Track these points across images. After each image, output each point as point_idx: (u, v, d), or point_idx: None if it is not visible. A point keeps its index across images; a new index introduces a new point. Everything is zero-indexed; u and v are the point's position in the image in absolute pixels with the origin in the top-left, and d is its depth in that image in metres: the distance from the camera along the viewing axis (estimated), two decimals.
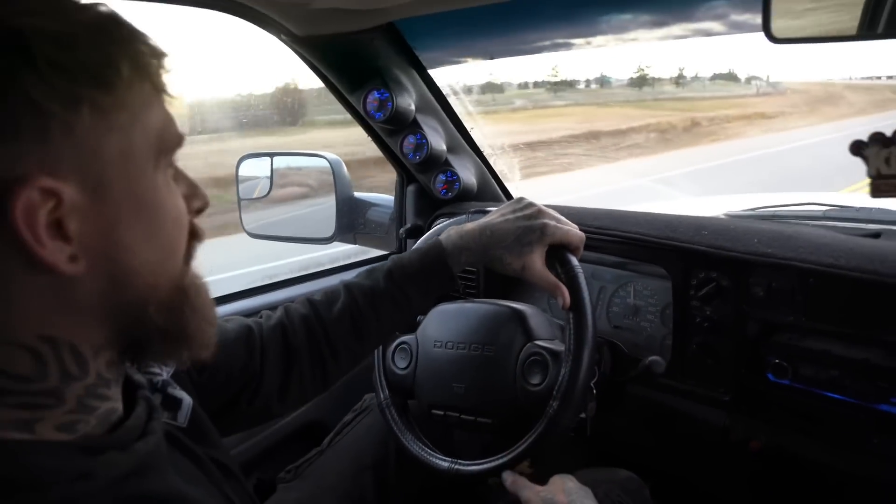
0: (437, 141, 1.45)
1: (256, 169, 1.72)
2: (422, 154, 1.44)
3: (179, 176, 0.51)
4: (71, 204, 0.41)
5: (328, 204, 1.63)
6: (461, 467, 0.97)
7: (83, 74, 0.41)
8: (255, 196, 1.76)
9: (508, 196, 1.65)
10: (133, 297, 0.46)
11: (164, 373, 0.66)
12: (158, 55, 0.46)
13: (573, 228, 0.96)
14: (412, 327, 1.12)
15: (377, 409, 1.11)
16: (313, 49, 1.26)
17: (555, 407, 0.90)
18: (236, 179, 1.70)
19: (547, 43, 1.36)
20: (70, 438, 0.45)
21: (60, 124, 0.40)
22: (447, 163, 1.50)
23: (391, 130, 1.44)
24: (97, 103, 0.42)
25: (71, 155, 0.41)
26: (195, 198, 0.52)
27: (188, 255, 0.52)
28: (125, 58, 0.43)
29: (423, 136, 1.43)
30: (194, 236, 0.52)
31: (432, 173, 1.52)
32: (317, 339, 0.88)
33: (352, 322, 0.90)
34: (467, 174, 1.54)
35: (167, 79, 0.47)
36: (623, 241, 1.21)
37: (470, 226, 0.95)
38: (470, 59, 1.58)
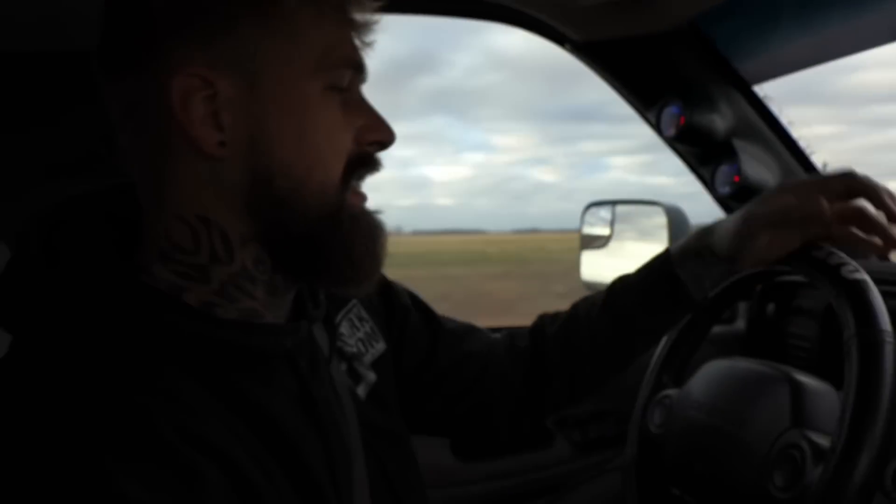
0: (759, 172, 1.15)
1: (599, 217, 1.68)
2: (735, 187, 1.16)
3: (360, 105, 0.53)
4: (226, 97, 0.47)
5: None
6: None
7: None
8: (597, 245, 1.71)
9: None
10: (273, 197, 0.49)
11: (354, 346, 0.65)
12: None
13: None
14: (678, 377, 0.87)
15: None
16: (597, 57, 1.16)
17: None
18: (580, 226, 1.69)
19: None
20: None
21: (226, 23, 0.46)
22: None
23: (698, 155, 1.21)
24: (262, 10, 0.47)
25: (231, 52, 0.46)
26: (375, 130, 0.53)
27: (347, 179, 0.51)
28: None
29: (738, 166, 1.15)
30: (364, 164, 0.53)
31: None
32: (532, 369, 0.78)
33: (565, 348, 0.78)
34: None
35: (353, 9, 0.50)
36: None
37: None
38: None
